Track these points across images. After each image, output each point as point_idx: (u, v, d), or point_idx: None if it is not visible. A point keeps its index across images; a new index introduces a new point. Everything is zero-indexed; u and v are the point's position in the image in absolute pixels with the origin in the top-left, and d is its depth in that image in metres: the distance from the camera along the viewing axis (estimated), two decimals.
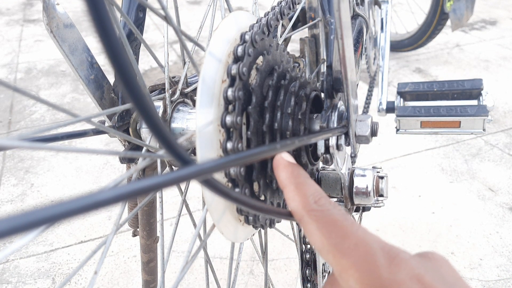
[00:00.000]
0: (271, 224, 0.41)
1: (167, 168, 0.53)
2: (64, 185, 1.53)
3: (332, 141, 0.43)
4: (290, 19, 0.79)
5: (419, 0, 2.52)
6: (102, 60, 0.76)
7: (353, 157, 0.64)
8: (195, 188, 1.37)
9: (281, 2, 0.50)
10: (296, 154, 0.42)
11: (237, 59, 0.36)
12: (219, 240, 1.29)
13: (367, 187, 0.49)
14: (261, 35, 0.38)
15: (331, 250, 0.28)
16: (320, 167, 0.54)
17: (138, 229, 0.64)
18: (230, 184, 0.35)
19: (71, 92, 2.19)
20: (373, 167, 0.51)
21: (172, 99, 0.50)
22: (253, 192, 0.38)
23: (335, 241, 0.28)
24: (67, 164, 1.64)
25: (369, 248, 0.27)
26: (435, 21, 2.14)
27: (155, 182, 0.20)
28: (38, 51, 2.67)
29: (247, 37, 0.37)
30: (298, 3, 0.55)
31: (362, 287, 0.26)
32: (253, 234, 0.44)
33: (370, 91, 1.17)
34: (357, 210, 0.57)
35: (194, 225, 0.49)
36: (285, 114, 0.39)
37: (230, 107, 0.34)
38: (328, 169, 0.53)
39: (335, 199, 0.53)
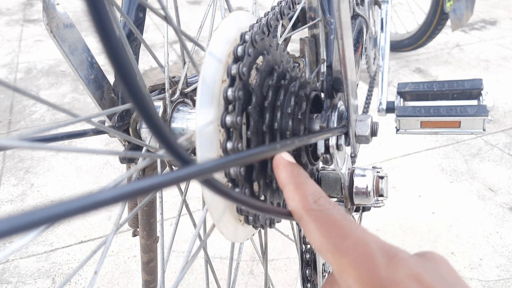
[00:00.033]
0: (271, 224, 0.41)
1: (167, 168, 0.53)
2: (64, 185, 1.53)
3: (332, 141, 0.43)
4: (290, 19, 0.79)
5: (419, 0, 2.52)
6: (102, 60, 0.76)
7: (353, 157, 0.64)
8: (195, 188, 1.37)
9: (281, 2, 0.50)
10: (296, 154, 0.42)
11: (237, 59, 0.36)
12: (219, 240, 1.29)
13: (367, 187, 0.49)
14: (261, 35, 0.38)
15: (330, 249, 0.28)
16: (320, 167, 0.54)
17: (138, 229, 0.64)
18: (230, 184, 0.35)
19: (71, 92, 2.19)
20: (373, 167, 0.51)
21: (172, 99, 0.50)
22: (253, 192, 0.38)
23: (334, 241, 0.28)
24: (67, 164, 1.64)
25: (368, 248, 0.27)
26: (435, 21, 2.14)
27: (155, 182, 0.20)
28: (38, 51, 2.67)
29: (247, 37, 0.37)
30: (298, 3, 0.55)
31: (361, 286, 0.26)
32: (253, 234, 0.44)
33: (370, 91, 1.17)
34: (357, 210, 0.57)
35: (194, 225, 0.49)
36: (285, 114, 0.39)
37: (230, 107, 0.34)
38: (328, 169, 0.53)
39: (335, 199, 0.53)
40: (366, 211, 0.59)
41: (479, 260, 1.22)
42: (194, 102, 0.53)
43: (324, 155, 0.45)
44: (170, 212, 1.38)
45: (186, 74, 0.52)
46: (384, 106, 1.02)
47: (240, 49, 0.36)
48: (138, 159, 0.53)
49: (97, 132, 0.49)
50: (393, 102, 0.99)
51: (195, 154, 0.41)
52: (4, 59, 2.56)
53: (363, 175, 0.50)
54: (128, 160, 0.52)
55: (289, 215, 0.33)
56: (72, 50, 0.44)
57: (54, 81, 2.31)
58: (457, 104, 0.90)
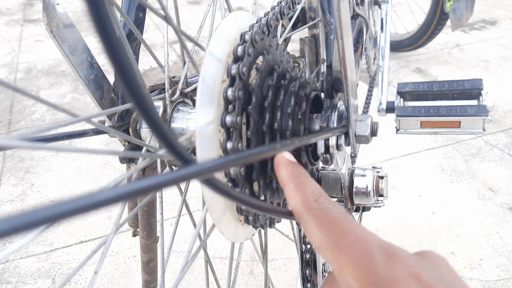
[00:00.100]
0: (271, 224, 0.41)
1: (167, 168, 0.53)
2: (64, 185, 1.53)
3: (332, 141, 0.43)
4: (290, 19, 0.79)
5: (419, 0, 2.52)
6: (102, 60, 0.76)
7: (353, 157, 0.64)
8: (195, 188, 1.37)
9: (281, 2, 0.50)
10: (296, 154, 0.42)
11: (237, 59, 0.36)
12: (219, 240, 1.29)
13: (367, 187, 0.49)
14: (261, 35, 0.38)
15: (330, 248, 0.28)
16: (320, 167, 0.54)
17: (138, 229, 0.64)
18: (230, 184, 0.35)
19: (71, 92, 2.19)
20: (373, 167, 0.51)
21: (172, 99, 0.50)
22: (253, 192, 0.38)
23: (334, 239, 0.28)
24: (67, 164, 1.64)
25: (367, 246, 0.27)
26: (435, 21, 2.14)
27: (155, 182, 0.20)
28: (38, 51, 2.67)
29: (247, 37, 0.37)
30: (298, 3, 0.55)
31: (360, 284, 0.26)
32: (253, 234, 0.44)
33: (370, 91, 1.17)
34: (357, 210, 0.57)
35: (194, 225, 0.49)
36: (285, 114, 0.39)
37: (230, 107, 0.34)
38: (328, 169, 0.53)
39: (335, 199, 0.53)
40: (366, 211, 0.59)
41: (479, 260, 1.22)
42: (194, 102, 0.53)
43: (324, 155, 0.45)
44: (170, 212, 1.38)
45: (186, 74, 0.52)
46: (384, 106, 1.02)
47: (240, 49, 0.36)
48: (138, 159, 0.53)
49: (97, 132, 0.49)
50: (393, 102, 0.99)
51: (195, 154, 0.41)
52: (4, 59, 2.56)
53: (363, 175, 0.50)
54: (128, 160, 0.52)
55: (289, 215, 0.33)
56: (72, 50, 0.44)
57: (54, 81, 2.31)
58: (457, 104, 0.90)
